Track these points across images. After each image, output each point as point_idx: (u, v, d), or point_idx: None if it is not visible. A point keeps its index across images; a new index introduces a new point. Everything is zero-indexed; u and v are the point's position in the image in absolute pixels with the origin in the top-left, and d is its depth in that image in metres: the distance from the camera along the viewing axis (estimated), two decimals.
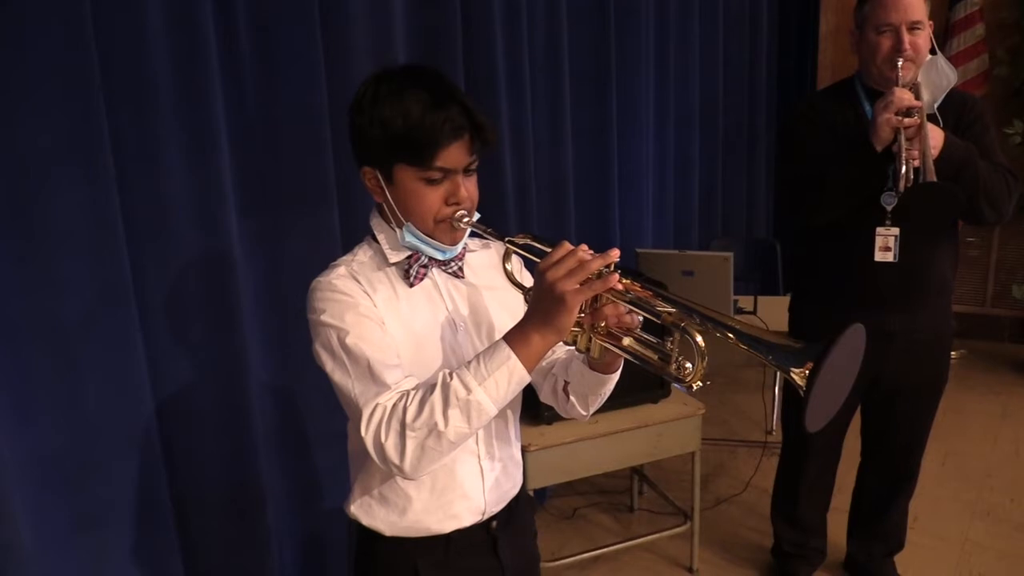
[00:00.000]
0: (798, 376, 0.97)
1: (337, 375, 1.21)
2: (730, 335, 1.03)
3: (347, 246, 1.36)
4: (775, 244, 4.12)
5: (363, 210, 1.36)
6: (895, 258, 2.16)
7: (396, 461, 1.14)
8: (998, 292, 4.98)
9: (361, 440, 1.16)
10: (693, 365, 1.07)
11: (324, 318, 1.23)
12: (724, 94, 4.45)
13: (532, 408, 2.40)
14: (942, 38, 4.52)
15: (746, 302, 3.68)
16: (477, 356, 1.15)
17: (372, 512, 1.38)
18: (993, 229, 4.88)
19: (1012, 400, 4.16)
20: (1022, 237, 4.85)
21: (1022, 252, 4.88)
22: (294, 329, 2.08)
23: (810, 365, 0.95)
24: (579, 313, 1.14)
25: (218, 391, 2.01)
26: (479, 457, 1.37)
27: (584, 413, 1.40)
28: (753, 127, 4.77)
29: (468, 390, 1.12)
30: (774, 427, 3.76)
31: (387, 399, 1.16)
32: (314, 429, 2.28)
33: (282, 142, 2.09)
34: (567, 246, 1.10)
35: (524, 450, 2.38)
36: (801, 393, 0.96)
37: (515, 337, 1.14)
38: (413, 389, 1.17)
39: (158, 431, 1.89)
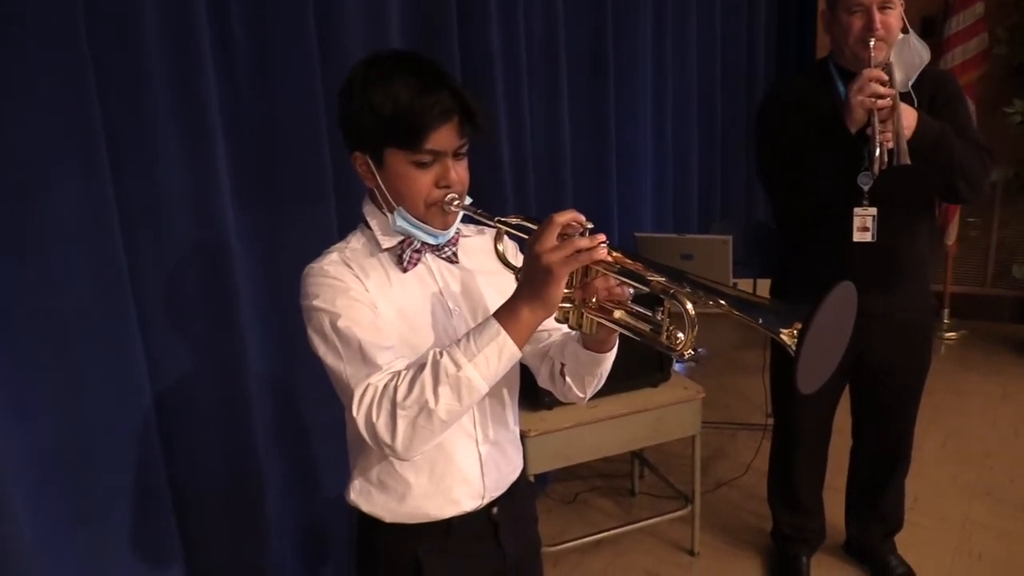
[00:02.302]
0: (787, 336, 0.96)
1: (329, 358, 1.21)
2: (721, 300, 1.03)
3: (343, 236, 1.36)
4: (774, 228, 4.11)
5: (360, 203, 1.36)
6: (873, 238, 2.18)
7: (388, 440, 1.14)
8: (998, 272, 4.98)
9: (356, 424, 1.16)
10: (684, 335, 1.07)
11: (316, 303, 1.23)
12: (723, 77, 4.43)
13: (532, 394, 2.39)
14: (942, 17, 4.50)
15: (745, 285, 3.67)
16: (467, 333, 1.15)
17: (372, 499, 1.38)
18: (993, 210, 4.87)
19: (1012, 381, 4.16)
20: (1022, 218, 4.84)
21: (1022, 233, 4.87)
22: (292, 321, 2.06)
23: (799, 325, 0.95)
24: (569, 288, 1.14)
25: (216, 384, 2.01)
26: (477, 441, 1.37)
27: (581, 395, 1.39)
28: (752, 109, 4.73)
29: (458, 367, 1.12)
30: None
31: (378, 379, 1.16)
32: (313, 420, 2.28)
33: (278, 135, 2.08)
34: (555, 220, 1.09)
35: (524, 435, 2.38)
36: (791, 353, 0.96)
37: (505, 313, 1.14)
38: (404, 369, 1.17)
39: (156, 424, 1.89)
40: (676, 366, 2.85)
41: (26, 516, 1.64)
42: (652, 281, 1.07)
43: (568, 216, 1.10)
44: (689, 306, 1.03)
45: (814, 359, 0.98)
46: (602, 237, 1.09)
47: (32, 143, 1.60)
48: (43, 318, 1.66)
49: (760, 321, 0.99)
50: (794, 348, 0.95)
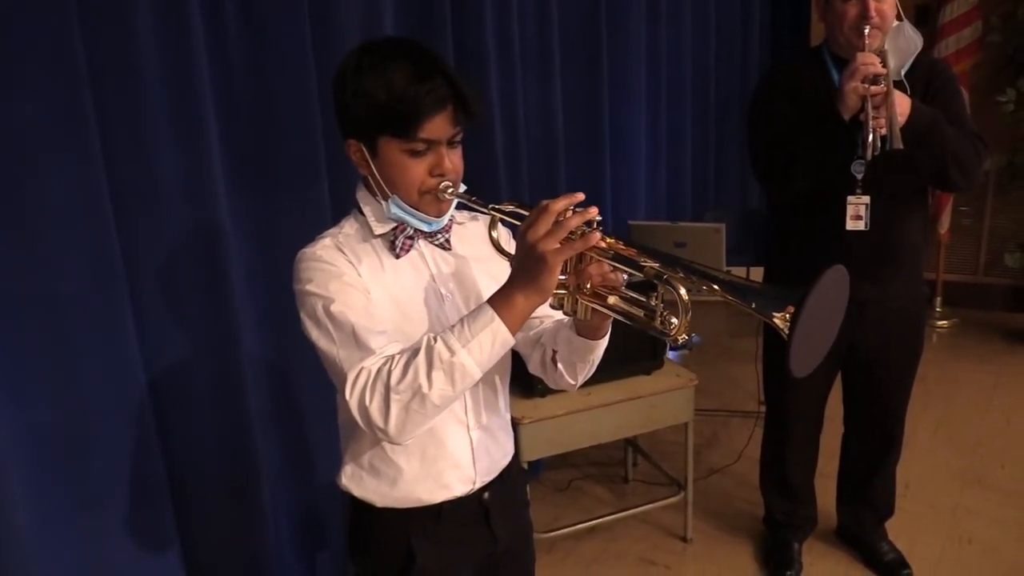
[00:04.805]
0: (780, 320, 0.97)
1: (322, 342, 1.21)
2: (714, 285, 1.03)
3: (338, 221, 1.36)
4: (768, 216, 4.10)
5: (354, 185, 1.36)
6: (866, 226, 2.18)
7: (381, 424, 1.14)
8: (990, 261, 4.99)
9: (349, 408, 1.16)
10: (678, 320, 1.07)
11: (309, 287, 1.23)
12: (717, 62, 4.42)
13: (524, 381, 2.40)
14: (936, 5, 4.49)
15: (738, 273, 3.66)
16: (461, 319, 1.15)
17: (363, 483, 1.39)
18: (985, 198, 4.89)
19: (1004, 369, 4.18)
20: (1015, 206, 4.85)
21: (1014, 221, 4.88)
22: (286, 305, 2.06)
23: (791, 309, 0.96)
24: (563, 274, 1.14)
25: (211, 368, 2.01)
26: (468, 427, 1.38)
27: (572, 382, 1.40)
28: (746, 95, 4.70)
29: (452, 352, 1.12)
30: None
31: (372, 363, 1.16)
32: (308, 404, 2.28)
33: (271, 117, 2.07)
34: (548, 207, 1.09)
35: (518, 423, 2.39)
36: (784, 337, 0.96)
37: (499, 299, 1.14)
38: (398, 353, 1.17)
39: (152, 409, 1.89)
40: (669, 353, 2.85)
41: (24, 501, 1.64)
42: (646, 266, 1.08)
43: (562, 204, 1.09)
44: (683, 291, 1.04)
45: (807, 342, 0.99)
46: (594, 211, 1.09)
47: (23, 129, 1.59)
48: (37, 304, 1.66)
49: (753, 305, 1.00)
50: (787, 332, 0.96)
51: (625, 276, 1.15)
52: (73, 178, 1.67)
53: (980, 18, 4.43)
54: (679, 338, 1.07)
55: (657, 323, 1.10)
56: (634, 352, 2.65)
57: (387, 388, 1.13)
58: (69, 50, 1.63)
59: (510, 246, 1.35)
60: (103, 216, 1.73)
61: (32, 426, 1.67)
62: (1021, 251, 4.70)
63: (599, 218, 1.09)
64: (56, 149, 1.64)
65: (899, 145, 1.93)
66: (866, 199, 2.16)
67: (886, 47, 2.07)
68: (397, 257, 1.31)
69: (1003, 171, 4.66)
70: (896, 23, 2.10)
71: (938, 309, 4.87)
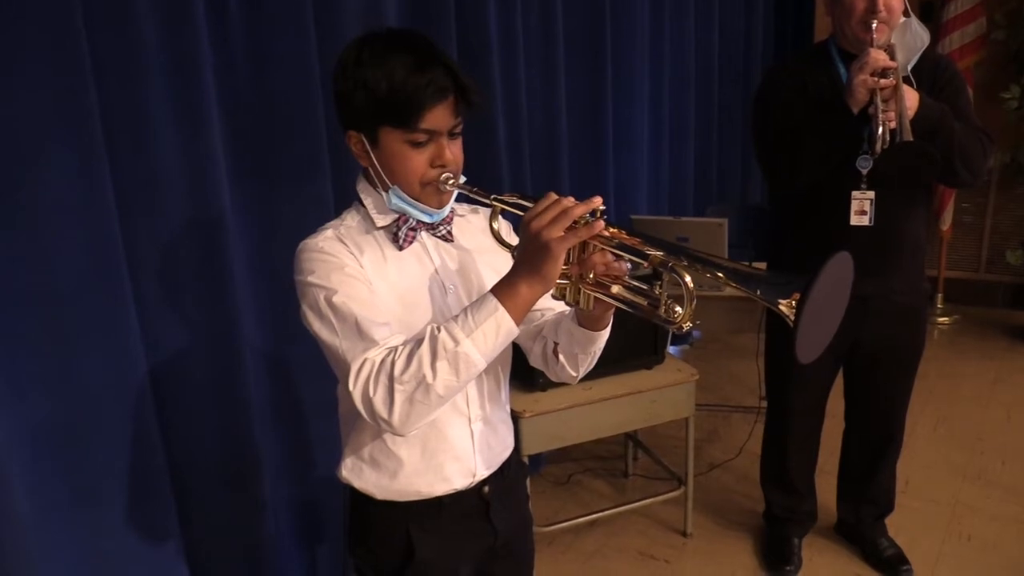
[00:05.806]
0: (785, 307, 0.97)
1: (324, 333, 1.20)
2: (719, 273, 1.03)
3: (339, 214, 1.36)
4: (770, 211, 4.10)
5: (355, 179, 1.36)
6: (871, 222, 2.18)
7: (384, 416, 1.14)
8: (992, 258, 4.99)
9: (351, 400, 1.16)
10: (682, 308, 1.07)
11: (311, 279, 1.22)
12: (720, 56, 4.41)
13: (526, 375, 2.41)
14: (940, 1, 4.48)
15: None
16: (465, 309, 1.15)
17: (363, 475, 1.38)
18: (987, 195, 4.88)
19: (1004, 365, 4.18)
20: (1016, 203, 4.85)
21: (1016, 218, 4.88)
22: (288, 299, 2.07)
23: (797, 295, 0.96)
24: (567, 264, 1.14)
25: (212, 361, 2.00)
26: (469, 419, 1.38)
27: (574, 374, 1.39)
28: (749, 90, 4.71)
29: (456, 342, 1.12)
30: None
31: (375, 354, 1.16)
32: (309, 397, 2.28)
33: (274, 112, 2.07)
34: (551, 196, 1.09)
35: (519, 417, 2.39)
36: (789, 324, 0.96)
37: (503, 289, 1.14)
38: (401, 344, 1.17)
39: (153, 402, 1.89)
40: (670, 349, 2.85)
41: (23, 494, 1.64)
42: (650, 255, 1.07)
43: (570, 200, 1.09)
44: (688, 279, 1.04)
45: (812, 329, 0.99)
46: (598, 200, 1.09)
47: (26, 120, 1.59)
48: (38, 297, 1.66)
49: (758, 292, 1.00)
50: (792, 318, 0.96)
51: (628, 265, 1.15)
52: (75, 170, 1.66)
53: (984, 15, 4.42)
54: (683, 326, 1.07)
55: (661, 311, 1.10)
56: (635, 347, 2.64)
57: (391, 379, 1.13)
58: (73, 43, 1.63)
59: (510, 238, 1.34)
60: (105, 209, 1.73)
61: (33, 418, 1.67)
62: (1023, 248, 4.70)
63: (603, 207, 1.09)
64: (58, 141, 1.63)
65: (908, 137, 1.93)
66: (871, 195, 2.16)
67: (893, 41, 2.07)
68: (400, 249, 1.30)
69: (1006, 168, 4.65)
70: (903, 19, 2.10)
71: (939, 306, 4.87)
